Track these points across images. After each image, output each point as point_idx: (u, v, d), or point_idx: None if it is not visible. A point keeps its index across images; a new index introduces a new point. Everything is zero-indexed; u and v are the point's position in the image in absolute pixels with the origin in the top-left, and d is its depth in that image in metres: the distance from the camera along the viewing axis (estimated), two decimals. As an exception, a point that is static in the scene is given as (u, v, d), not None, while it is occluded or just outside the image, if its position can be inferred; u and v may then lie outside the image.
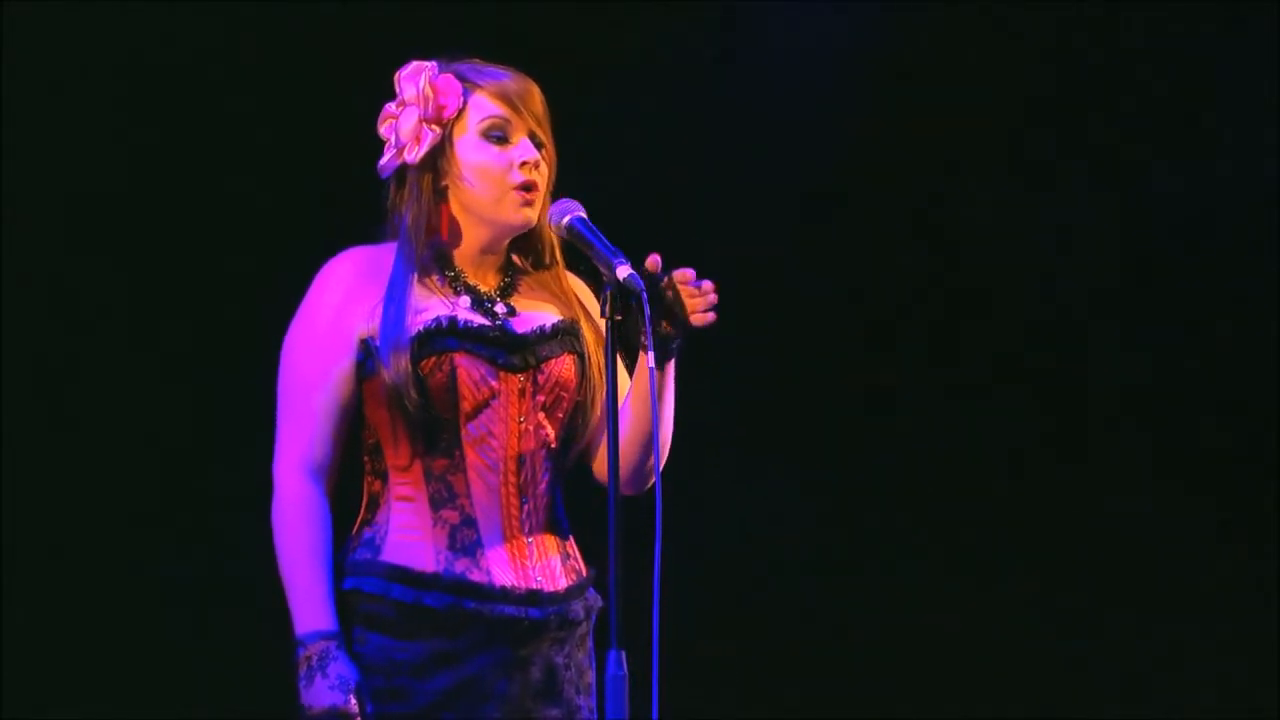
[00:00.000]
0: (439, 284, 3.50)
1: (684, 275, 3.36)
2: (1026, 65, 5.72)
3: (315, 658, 3.36)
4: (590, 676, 3.56)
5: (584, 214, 3.42)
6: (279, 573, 3.41)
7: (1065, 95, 5.74)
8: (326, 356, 3.44)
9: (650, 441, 3.45)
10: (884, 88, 5.70)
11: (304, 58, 5.18)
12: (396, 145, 3.51)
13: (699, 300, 3.36)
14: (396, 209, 3.53)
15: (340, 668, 3.35)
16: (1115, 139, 5.77)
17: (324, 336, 3.45)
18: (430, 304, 3.46)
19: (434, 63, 3.53)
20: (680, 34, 5.57)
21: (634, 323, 3.29)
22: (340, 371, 3.44)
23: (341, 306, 3.46)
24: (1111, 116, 5.76)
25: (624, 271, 3.28)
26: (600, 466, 3.59)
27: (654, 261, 3.34)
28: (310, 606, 3.37)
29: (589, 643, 3.57)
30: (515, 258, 3.60)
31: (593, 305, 3.58)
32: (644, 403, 3.47)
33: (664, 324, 3.37)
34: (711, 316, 3.36)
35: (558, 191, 3.52)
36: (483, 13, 5.19)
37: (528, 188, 3.49)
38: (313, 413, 3.44)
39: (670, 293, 3.36)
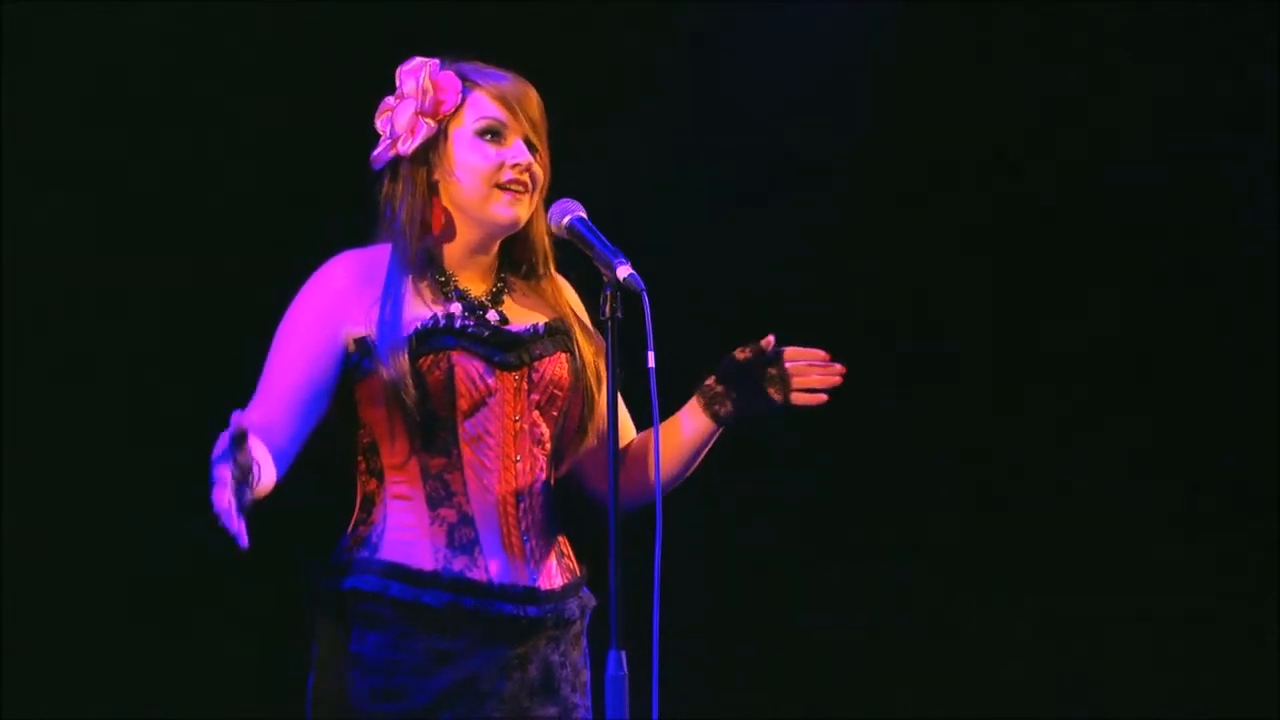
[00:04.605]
0: (431, 289, 3.49)
1: (816, 354, 3.48)
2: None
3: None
4: (586, 675, 3.57)
5: (584, 214, 3.43)
6: None
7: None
8: (306, 344, 3.40)
9: (671, 482, 3.60)
10: (887, 83, 5.72)
11: (297, 57, 5.18)
12: (391, 136, 3.52)
13: (816, 379, 3.49)
14: (389, 202, 3.53)
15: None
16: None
17: (306, 327, 3.42)
18: (423, 309, 3.46)
19: (435, 59, 3.54)
20: (679, 32, 5.58)
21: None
22: (317, 359, 3.41)
23: (331, 304, 3.44)
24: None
25: (624, 271, 3.29)
26: (597, 484, 3.62)
27: (769, 341, 3.48)
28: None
29: (584, 641, 3.57)
30: (508, 268, 3.59)
31: (586, 315, 3.61)
32: (678, 446, 3.57)
33: (762, 396, 3.50)
34: (817, 398, 3.50)
35: (557, 191, 3.52)
36: (482, 13, 5.19)
37: (517, 187, 3.49)
38: (279, 394, 3.39)
39: (775, 369, 3.48)
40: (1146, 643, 5.81)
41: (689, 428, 3.58)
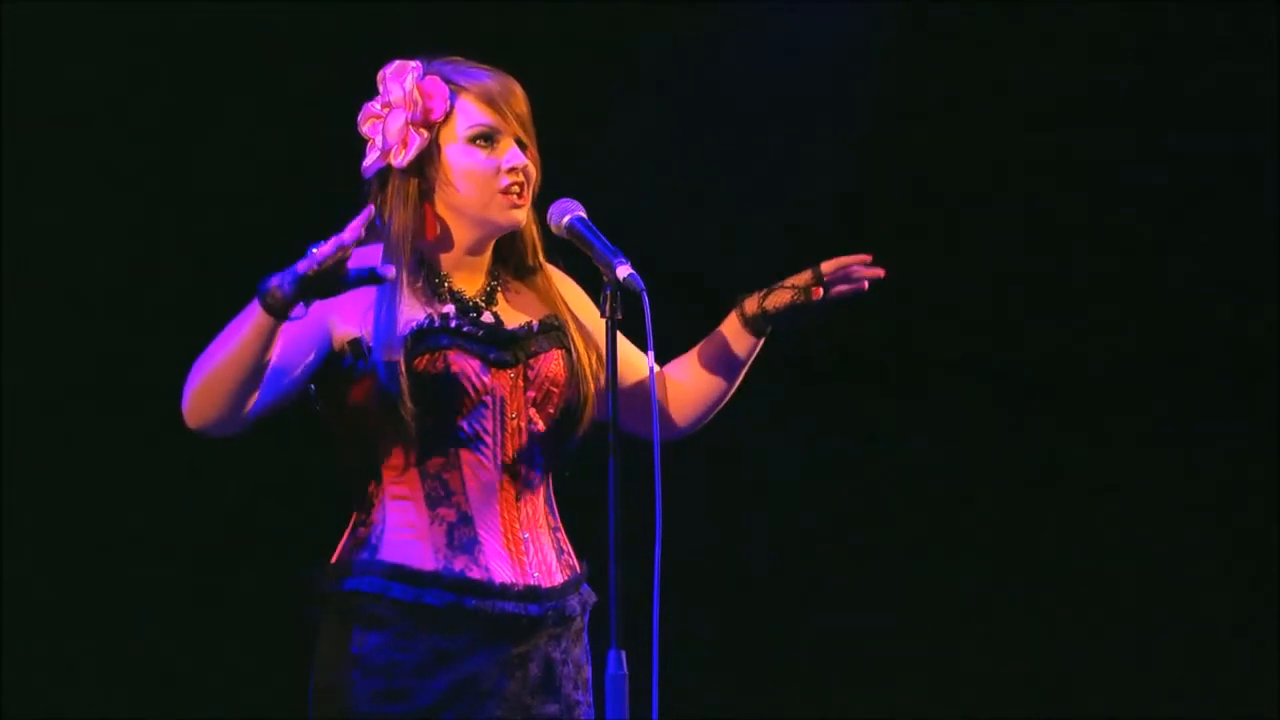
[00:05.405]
0: (425, 291, 3.48)
1: (857, 258, 3.58)
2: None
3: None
4: (587, 672, 3.56)
5: (584, 214, 3.42)
6: (218, 361, 3.28)
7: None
8: (288, 323, 3.30)
9: (713, 399, 3.65)
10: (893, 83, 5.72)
11: (288, 57, 5.18)
12: (383, 147, 3.49)
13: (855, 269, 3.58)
14: (380, 210, 3.51)
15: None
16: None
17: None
18: (418, 310, 3.46)
19: (418, 62, 3.49)
20: (679, 31, 5.58)
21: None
22: (296, 339, 3.36)
23: (323, 302, 3.38)
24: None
25: (624, 271, 3.30)
26: (630, 417, 3.58)
27: (818, 293, 3.57)
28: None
29: (584, 638, 3.57)
30: (499, 264, 3.58)
31: (580, 304, 3.61)
32: (724, 364, 3.64)
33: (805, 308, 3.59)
34: (857, 285, 3.59)
35: (557, 190, 3.51)
36: (483, 10, 5.19)
37: (515, 191, 3.48)
38: None
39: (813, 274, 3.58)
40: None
41: (732, 345, 3.62)
